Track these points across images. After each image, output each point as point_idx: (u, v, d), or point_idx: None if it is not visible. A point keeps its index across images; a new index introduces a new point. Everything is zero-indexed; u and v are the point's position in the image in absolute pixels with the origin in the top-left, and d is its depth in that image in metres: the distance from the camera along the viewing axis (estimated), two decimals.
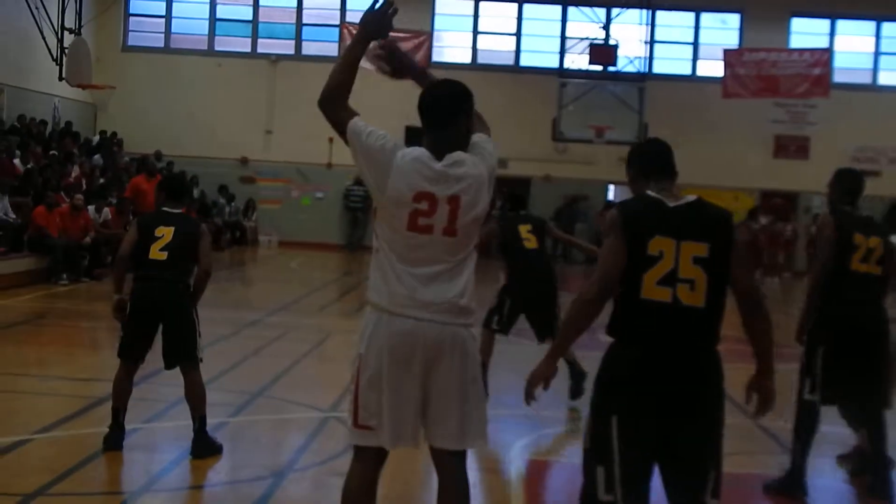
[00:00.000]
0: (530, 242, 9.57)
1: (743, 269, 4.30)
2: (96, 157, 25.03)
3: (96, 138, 27.66)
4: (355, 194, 30.29)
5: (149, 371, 10.29)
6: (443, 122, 4.47)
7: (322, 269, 23.00)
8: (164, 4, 31.11)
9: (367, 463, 4.46)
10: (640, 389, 4.14)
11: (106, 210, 19.54)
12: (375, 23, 4.60)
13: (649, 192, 4.34)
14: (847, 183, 7.16)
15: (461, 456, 4.49)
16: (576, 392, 9.33)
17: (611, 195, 30.42)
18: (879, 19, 30.77)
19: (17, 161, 19.93)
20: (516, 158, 28.45)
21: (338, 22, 30.08)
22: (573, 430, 8.57)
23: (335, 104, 4.48)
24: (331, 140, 29.38)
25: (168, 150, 27.96)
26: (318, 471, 6.88)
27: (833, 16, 30.68)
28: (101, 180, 22.22)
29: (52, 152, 22.33)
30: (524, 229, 9.62)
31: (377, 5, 4.58)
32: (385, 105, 29.19)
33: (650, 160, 4.49)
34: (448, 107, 4.51)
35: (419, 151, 4.42)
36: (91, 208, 19.06)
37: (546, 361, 4.33)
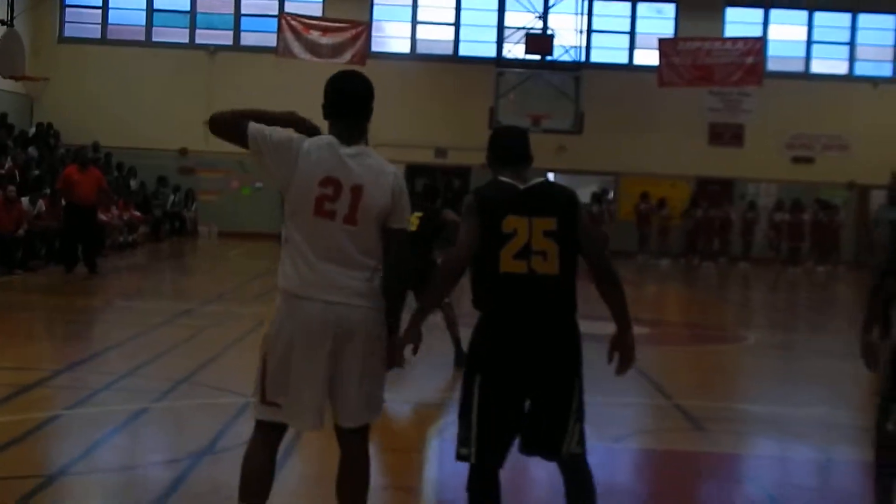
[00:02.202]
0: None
1: (590, 240, 4.69)
2: (31, 148, 24.88)
3: (32, 130, 27.50)
4: None
5: (76, 359, 10.47)
6: (355, 112, 4.62)
7: (261, 259, 23.00)
8: None
9: (269, 437, 4.60)
10: (504, 353, 4.50)
11: (40, 202, 19.49)
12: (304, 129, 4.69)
13: (501, 178, 4.67)
14: None
15: (362, 433, 4.64)
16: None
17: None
18: (812, 9, 31.26)
19: None
20: (455, 148, 28.73)
21: (276, 12, 30.05)
22: None
23: (227, 125, 4.63)
24: None
25: (106, 141, 27.85)
26: (234, 453, 6.97)
27: (766, 5, 31.13)
28: (37, 172, 22.09)
29: None
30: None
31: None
32: (319, 92, 29.36)
33: (505, 148, 4.81)
34: (361, 97, 4.64)
35: (328, 138, 4.55)
36: (25, 200, 18.99)
37: (411, 328, 4.64)
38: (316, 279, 4.45)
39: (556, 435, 4.56)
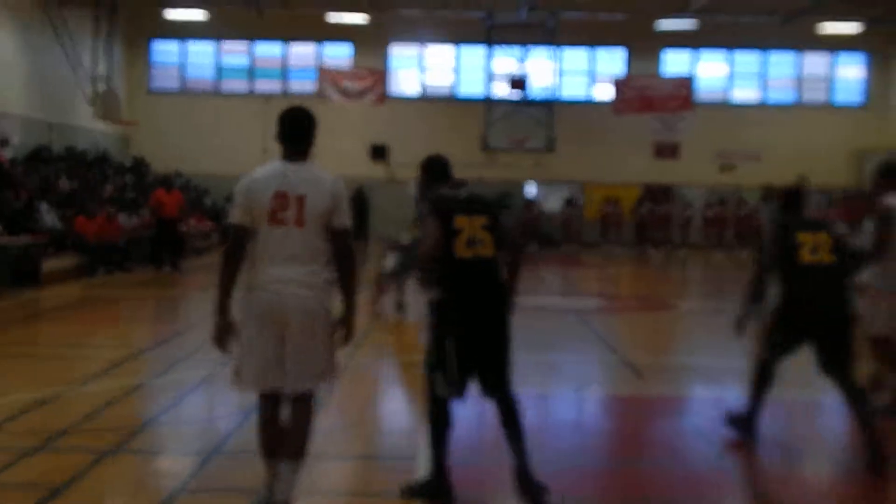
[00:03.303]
0: None
1: (507, 232, 5.07)
2: (128, 176, 24.99)
3: (130, 161, 27.62)
4: None
5: (162, 338, 10.51)
6: (297, 137, 4.55)
7: None
8: (177, 54, 31.13)
9: (266, 404, 4.56)
10: (468, 316, 4.83)
11: (134, 217, 19.59)
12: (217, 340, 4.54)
13: (444, 191, 5.13)
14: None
15: (306, 400, 4.55)
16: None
17: (531, 191, 30.75)
18: (731, 49, 31.19)
19: (63, 181, 19.92)
20: (456, 165, 28.56)
21: (315, 65, 30.13)
22: None
23: (230, 261, 4.51)
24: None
25: (186, 169, 28.04)
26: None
27: (696, 48, 31.05)
28: (133, 194, 22.20)
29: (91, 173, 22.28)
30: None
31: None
32: (351, 127, 29.48)
33: (436, 171, 5.26)
34: (303, 126, 4.58)
35: (273, 164, 4.52)
36: (123, 216, 19.09)
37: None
38: (270, 275, 4.39)
39: (500, 382, 4.93)
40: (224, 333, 4.48)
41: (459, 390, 4.86)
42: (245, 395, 4.68)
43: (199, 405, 7.34)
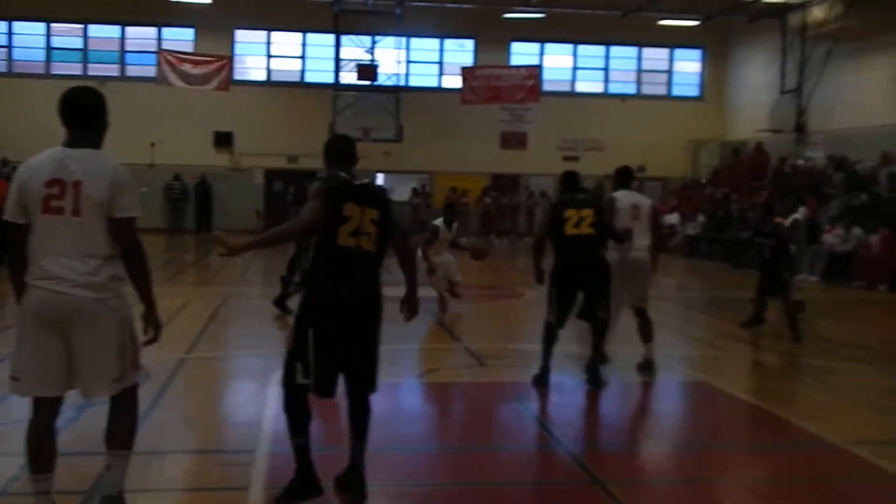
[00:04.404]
0: None
1: (397, 229, 4.91)
2: None
3: None
4: (175, 188, 29.78)
5: None
6: (79, 122, 4.26)
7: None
8: (5, 36, 29.62)
9: (42, 410, 4.24)
10: (334, 309, 4.61)
11: None
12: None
13: (341, 174, 4.80)
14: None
15: (126, 391, 4.32)
16: None
17: (379, 181, 30.89)
18: (576, 43, 32.20)
19: None
20: (305, 154, 28.44)
21: (155, 49, 29.23)
22: None
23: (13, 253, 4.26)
24: (152, 145, 28.82)
25: (15, 157, 26.60)
26: None
27: (542, 41, 31.87)
28: None
29: None
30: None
31: None
32: (194, 114, 28.80)
33: (337, 153, 4.94)
34: (84, 110, 4.30)
35: (52, 149, 4.22)
36: None
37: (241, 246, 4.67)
38: (45, 271, 4.09)
39: (370, 376, 4.79)
40: None
41: (322, 387, 4.66)
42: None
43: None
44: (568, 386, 7.96)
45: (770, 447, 6.38)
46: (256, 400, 7.19)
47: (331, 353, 4.62)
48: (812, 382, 8.72)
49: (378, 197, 4.83)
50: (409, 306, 5.04)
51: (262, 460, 5.50)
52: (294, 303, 8.57)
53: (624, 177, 8.87)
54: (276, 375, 7.65)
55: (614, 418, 7.38)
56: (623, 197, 8.64)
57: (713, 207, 26.34)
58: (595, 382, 7.85)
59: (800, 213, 20.61)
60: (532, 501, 5.28)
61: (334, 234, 4.62)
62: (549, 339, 7.84)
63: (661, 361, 8.56)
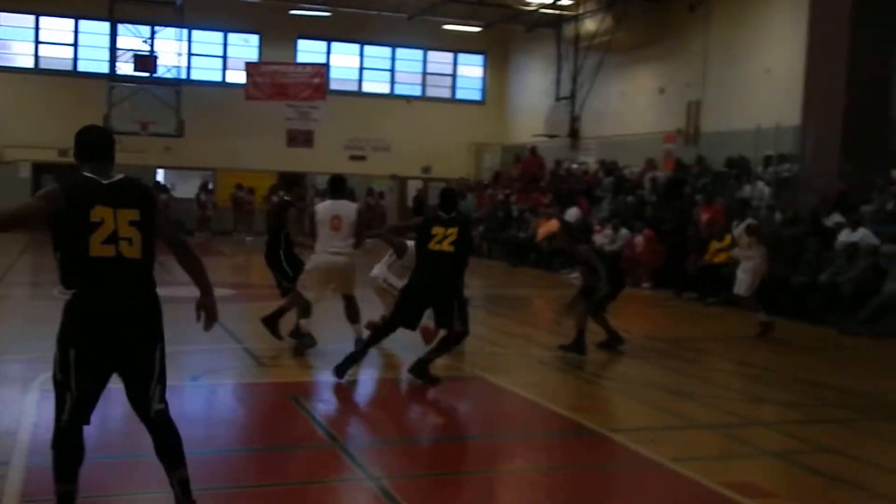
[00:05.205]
0: None
1: (168, 225, 4.41)
2: None
3: None
4: None
5: None
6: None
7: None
8: None
9: None
10: (96, 327, 4.07)
11: None
12: None
13: (85, 173, 4.16)
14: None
15: None
16: None
17: (160, 177, 29.80)
18: (362, 43, 32.35)
19: None
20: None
21: None
22: None
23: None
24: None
25: None
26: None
27: (329, 39, 31.82)
28: None
29: None
30: None
31: None
32: None
33: (87, 147, 4.26)
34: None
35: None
36: None
37: None
38: None
39: (143, 400, 4.23)
40: None
41: (81, 416, 4.13)
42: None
43: None
44: (345, 385, 7.99)
45: (538, 436, 6.67)
46: (12, 407, 6.75)
47: (93, 380, 4.10)
48: (580, 375, 9.18)
49: (135, 194, 4.22)
50: (206, 311, 4.47)
51: (16, 472, 5.15)
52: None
53: (336, 185, 9.49)
54: (38, 381, 7.39)
55: (390, 413, 7.48)
56: (327, 206, 9.24)
57: (494, 208, 27.21)
58: (426, 379, 8.17)
59: (570, 215, 21.67)
60: (309, 500, 5.24)
61: (84, 244, 4.00)
62: (382, 335, 8.42)
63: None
